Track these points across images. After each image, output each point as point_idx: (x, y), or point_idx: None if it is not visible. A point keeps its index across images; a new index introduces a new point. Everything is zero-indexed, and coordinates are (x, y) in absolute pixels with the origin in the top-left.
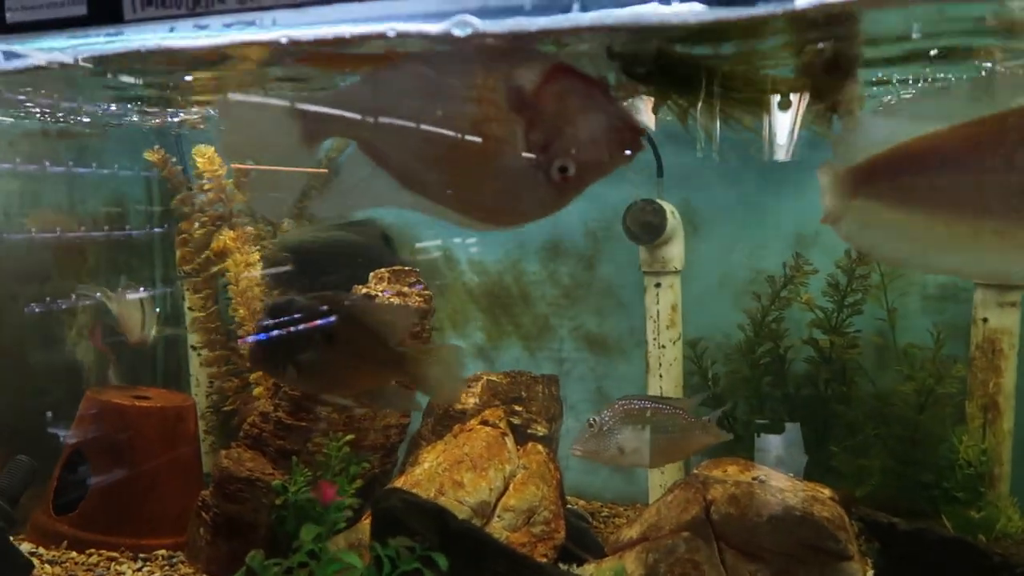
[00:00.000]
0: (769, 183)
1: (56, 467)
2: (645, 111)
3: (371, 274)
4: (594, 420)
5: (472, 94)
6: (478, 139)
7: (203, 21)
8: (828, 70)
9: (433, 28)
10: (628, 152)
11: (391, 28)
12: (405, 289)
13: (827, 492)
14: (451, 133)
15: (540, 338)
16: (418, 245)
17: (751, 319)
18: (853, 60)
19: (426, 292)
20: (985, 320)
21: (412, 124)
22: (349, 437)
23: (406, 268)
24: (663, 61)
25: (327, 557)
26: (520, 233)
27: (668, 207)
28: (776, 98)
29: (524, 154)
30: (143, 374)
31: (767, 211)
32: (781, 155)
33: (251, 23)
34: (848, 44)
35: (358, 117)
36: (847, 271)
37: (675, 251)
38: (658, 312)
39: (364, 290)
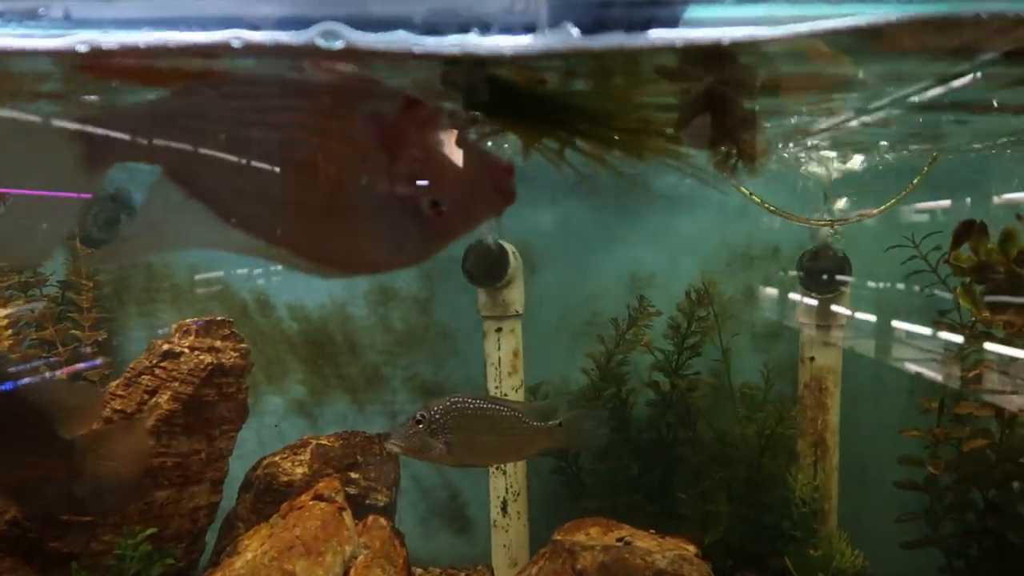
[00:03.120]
0: (604, 224)
1: None
2: None
3: (174, 326)
4: (422, 416)
5: (321, 111)
6: (330, 161)
7: None
8: (706, 108)
9: (292, 38)
10: (504, 195)
11: (236, 36)
12: (218, 344)
13: (692, 549)
14: (295, 153)
15: (370, 390)
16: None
17: (596, 362)
18: (731, 100)
19: (243, 346)
20: (812, 359)
21: (240, 143)
22: (151, 531)
23: (219, 319)
24: (505, 94)
25: None
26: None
27: (509, 248)
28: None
29: (388, 185)
30: None
31: (603, 252)
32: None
33: (32, 14)
34: (733, 80)
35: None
36: (687, 313)
37: (516, 294)
38: (499, 358)
39: (165, 346)
